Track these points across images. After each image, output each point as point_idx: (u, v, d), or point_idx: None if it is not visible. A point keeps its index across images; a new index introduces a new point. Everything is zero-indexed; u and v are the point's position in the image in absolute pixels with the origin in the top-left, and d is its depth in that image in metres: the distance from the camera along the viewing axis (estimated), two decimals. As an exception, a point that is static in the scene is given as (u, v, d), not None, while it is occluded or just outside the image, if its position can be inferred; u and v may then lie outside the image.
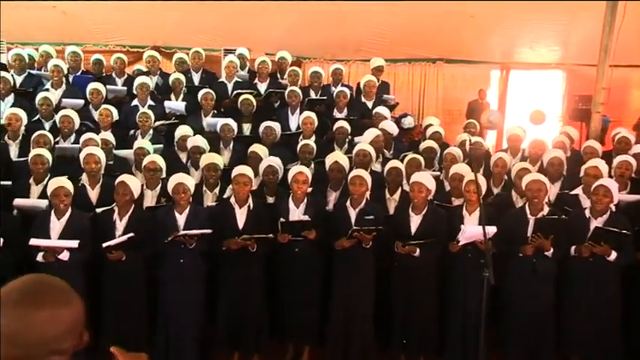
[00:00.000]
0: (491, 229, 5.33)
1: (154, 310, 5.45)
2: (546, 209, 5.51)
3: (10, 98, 7.47)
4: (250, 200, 5.54)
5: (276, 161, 6.13)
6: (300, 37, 12.46)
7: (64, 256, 4.97)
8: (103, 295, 5.34)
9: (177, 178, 5.38)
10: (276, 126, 7.31)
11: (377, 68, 9.03)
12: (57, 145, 6.43)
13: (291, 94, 7.93)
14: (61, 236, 5.05)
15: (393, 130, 7.49)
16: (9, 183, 5.74)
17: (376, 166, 6.82)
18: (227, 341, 5.57)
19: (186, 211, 5.37)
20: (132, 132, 7.30)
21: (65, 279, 4.81)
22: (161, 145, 7.00)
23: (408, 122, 8.55)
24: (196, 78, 8.64)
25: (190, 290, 5.37)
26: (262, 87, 8.52)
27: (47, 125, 7.10)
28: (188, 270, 5.35)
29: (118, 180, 5.34)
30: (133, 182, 5.35)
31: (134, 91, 7.83)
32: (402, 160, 6.52)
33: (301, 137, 7.35)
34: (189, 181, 5.40)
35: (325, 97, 8.23)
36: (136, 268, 5.34)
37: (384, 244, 5.52)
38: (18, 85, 7.89)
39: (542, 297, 5.47)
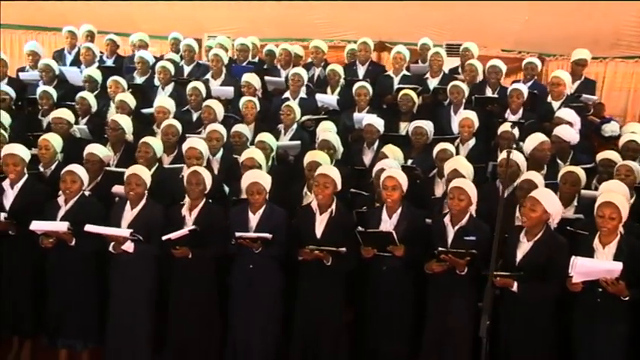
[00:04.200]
0: (614, 266, 4.32)
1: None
2: None
3: (170, 87, 7.99)
4: (334, 206, 5.17)
5: (389, 164, 5.66)
6: (543, 30, 11.47)
7: (128, 247, 5.09)
8: (170, 298, 5.37)
9: (251, 176, 5.22)
10: (428, 126, 6.75)
11: (577, 62, 7.88)
12: (186, 135, 6.70)
13: (453, 90, 7.28)
14: (130, 226, 5.17)
15: (571, 137, 6.43)
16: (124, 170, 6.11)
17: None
18: (300, 361, 5.28)
19: (261, 211, 5.19)
20: (279, 126, 7.32)
21: (133, 272, 5.05)
22: (298, 142, 6.91)
23: (611, 129, 7.30)
24: (361, 71, 8.37)
25: (261, 300, 5.19)
26: (433, 82, 7.98)
27: (195, 115, 7.43)
28: (258, 277, 5.17)
29: (189, 170, 5.35)
30: (206, 173, 5.31)
31: (284, 83, 7.85)
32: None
33: (458, 141, 6.73)
34: (266, 179, 5.21)
35: (497, 96, 7.42)
36: (207, 270, 5.29)
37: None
38: (186, 74, 8.43)
39: None
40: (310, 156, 5.80)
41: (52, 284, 5.45)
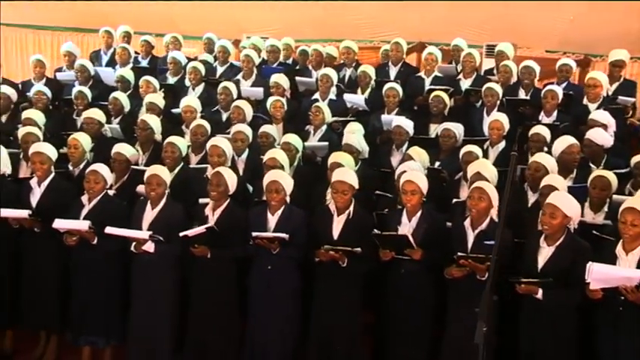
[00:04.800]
0: (633, 274, 4.23)
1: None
2: None
3: (200, 88, 8.11)
4: (352, 208, 5.18)
5: (411, 166, 5.65)
6: (589, 30, 11.22)
7: (149, 247, 5.15)
8: (191, 298, 5.44)
9: (271, 175, 5.25)
10: (457, 128, 6.70)
11: (614, 63, 7.72)
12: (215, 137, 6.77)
13: (487, 92, 7.20)
14: (151, 226, 5.25)
15: (604, 140, 6.30)
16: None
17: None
18: (317, 362, 5.30)
19: (279, 212, 5.23)
20: (308, 127, 7.35)
21: (155, 272, 5.13)
22: (326, 143, 6.92)
23: (650, 132, 7.13)
24: (393, 72, 8.37)
25: (278, 301, 5.22)
26: (465, 84, 7.91)
27: (224, 116, 7.51)
28: (276, 278, 5.20)
29: (213, 171, 5.42)
30: (229, 174, 5.36)
31: (315, 83, 7.89)
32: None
33: (488, 144, 6.67)
34: (286, 179, 5.24)
35: (529, 98, 7.33)
36: (227, 271, 5.35)
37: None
38: (219, 75, 8.54)
39: None
40: (333, 157, 5.84)
41: (76, 282, 5.57)
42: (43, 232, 5.47)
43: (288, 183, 5.25)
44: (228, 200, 5.38)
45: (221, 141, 6.05)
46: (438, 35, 11.61)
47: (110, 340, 5.62)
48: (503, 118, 6.63)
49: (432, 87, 7.61)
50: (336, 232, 5.15)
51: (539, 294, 4.54)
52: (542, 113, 7.13)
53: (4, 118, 7.91)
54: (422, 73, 8.25)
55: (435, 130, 7.18)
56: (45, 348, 5.89)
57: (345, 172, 5.27)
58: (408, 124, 6.80)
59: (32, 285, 5.72)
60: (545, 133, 6.42)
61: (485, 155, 6.45)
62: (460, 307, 4.92)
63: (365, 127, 7.12)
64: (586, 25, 11.03)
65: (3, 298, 5.77)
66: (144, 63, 9.14)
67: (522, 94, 7.55)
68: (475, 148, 6.10)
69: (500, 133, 6.61)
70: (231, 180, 5.37)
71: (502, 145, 6.63)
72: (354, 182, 5.17)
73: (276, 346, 5.27)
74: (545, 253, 4.67)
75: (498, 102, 7.24)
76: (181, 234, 5.06)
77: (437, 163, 6.50)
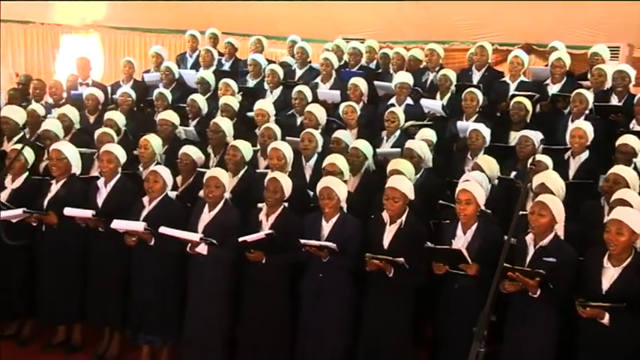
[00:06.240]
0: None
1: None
2: None
3: (278, 91, 8.23)
4: (404, 217, 5.11)
5: (474, 177, 5.51)
6: None
7: (202, 249, 5.28)
8: (243, 302, 5.53)
9: (325, 181, 5.26)
10: (536, 136, 6.45)
11: None
12: (287, 139, 6.84)
13: (576, 98, 6.88)
14: (206, 229, 5.37)
15: None
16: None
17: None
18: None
19: (334, 219, 5.23)
20: (383, 133, 7.30)
21: (208, 274, 5.29)
22: (398, 149, 6.84)
23: None
24: (476, 77, 8.15)
25: (329, 310, 5.24)
26: (553, 89, 7.56)
27: (299, 120, 7.58)
28: (327, 286, 5.22)
29: (269, 176, 5.48)
30: (285, 180, 5.40)
31: (394, 88, 7.81)
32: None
33: (569, 153, 6.39)
34: (339, 186, 5.23)
35: (621, 105, 6.94)
36: (280, 276, 5.41)
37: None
38: (297, 77, 8.64)
39: None
40: (392, 165, 5.78)
41: (134, 282, 5.78)
42: (107, 232, 5.66)
43: (341, 190, 5.24)
44: (283, 206, 5.43)
45: (282, 144, 6.14)
46: (547, 36, 11.07)
47: (166, 340, 5.79)
48: (587, 127, 6.32)
49: (516, 93, 7.37)
50: (386, 241, 5.11)
51: (606, 319, 4.30)
52: (634, 121, 6.75)
53: (92, 119, 8.33)
54: (507, 78, 7.99)
55: (515, 137, 6.95)
56: (108, 344, 6.15)
57: (400, 179, 5.20)
58: (484, 130, 6.62)
59: (96, 282, 5.97)
60: (635, 143, 6.06)
61: (566, 166, 6.21)
62: (515, 324, 4.78)
63: (442, 133, 7.02)
64: None
65: (72, 294, 6.06)
66: (227, 65, 9.37)
67: (614, 100, 7.16)
68: (544, 158, 5.87)
69: (583, 142, 6.30)
70: (287, 186, 5.42)
71: (585, 155, 6.32)
72: (408, 191, 5.10)
73: (326, 354, 5.30)
74: (610, 274, 4.41)
75: (587, 110, 6.90)
76: (240, 239, 5.14)
77: (513, 173, 6.31)
